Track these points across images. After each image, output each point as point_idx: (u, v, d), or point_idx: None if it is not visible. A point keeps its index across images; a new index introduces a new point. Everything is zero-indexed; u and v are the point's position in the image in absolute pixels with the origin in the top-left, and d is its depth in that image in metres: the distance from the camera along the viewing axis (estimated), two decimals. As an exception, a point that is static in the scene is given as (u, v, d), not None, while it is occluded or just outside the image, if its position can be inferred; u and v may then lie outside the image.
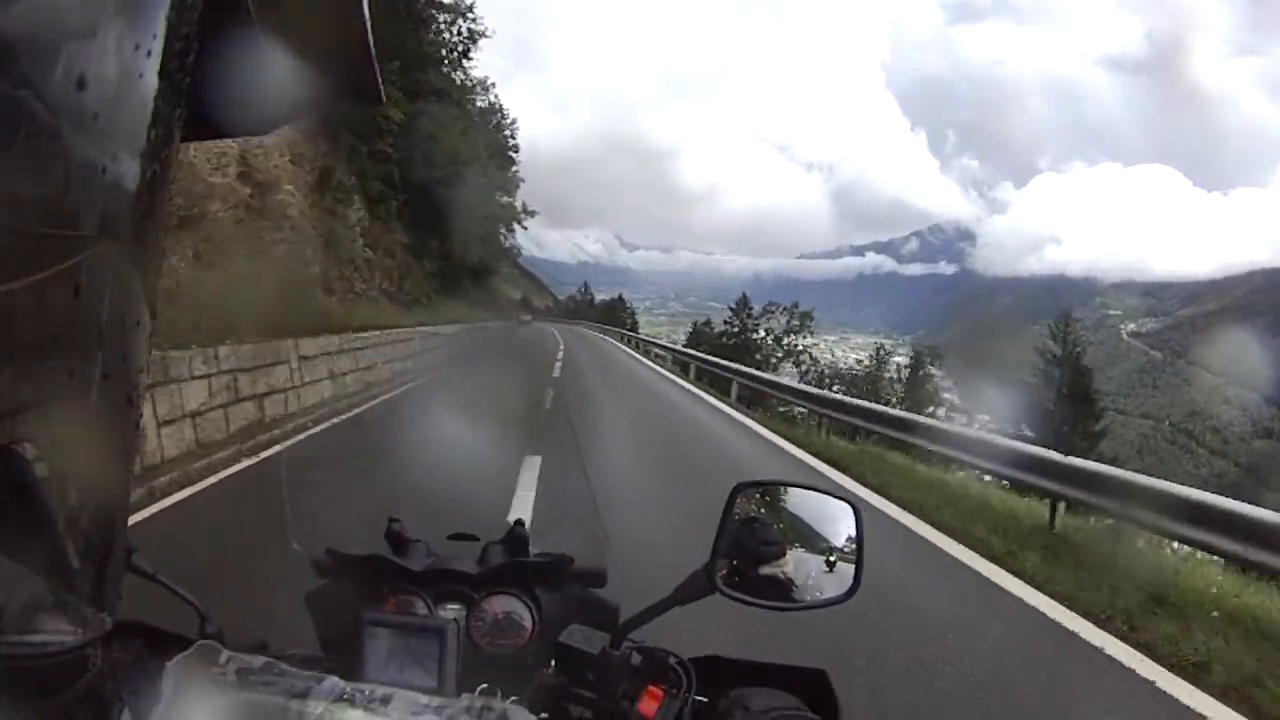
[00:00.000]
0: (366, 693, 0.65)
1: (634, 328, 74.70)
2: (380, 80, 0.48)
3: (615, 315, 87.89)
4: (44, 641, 0.40)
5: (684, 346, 35.44)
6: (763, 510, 0.85)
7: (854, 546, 0.83)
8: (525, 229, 41.17)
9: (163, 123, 0.42)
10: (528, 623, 1.00)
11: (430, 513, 1.27)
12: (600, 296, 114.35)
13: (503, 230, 35.14)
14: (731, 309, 55.89)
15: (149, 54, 0.39)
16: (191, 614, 0.85)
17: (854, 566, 0.82)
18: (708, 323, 62.29)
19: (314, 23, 0.46)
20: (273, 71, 0.44)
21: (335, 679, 0.65)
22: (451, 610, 1.00)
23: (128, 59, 0.38)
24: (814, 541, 0.84)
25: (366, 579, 1.01)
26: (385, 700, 0.65)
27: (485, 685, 0.85)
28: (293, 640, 0.95)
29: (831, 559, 0.83)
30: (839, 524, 0.84)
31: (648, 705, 0.80)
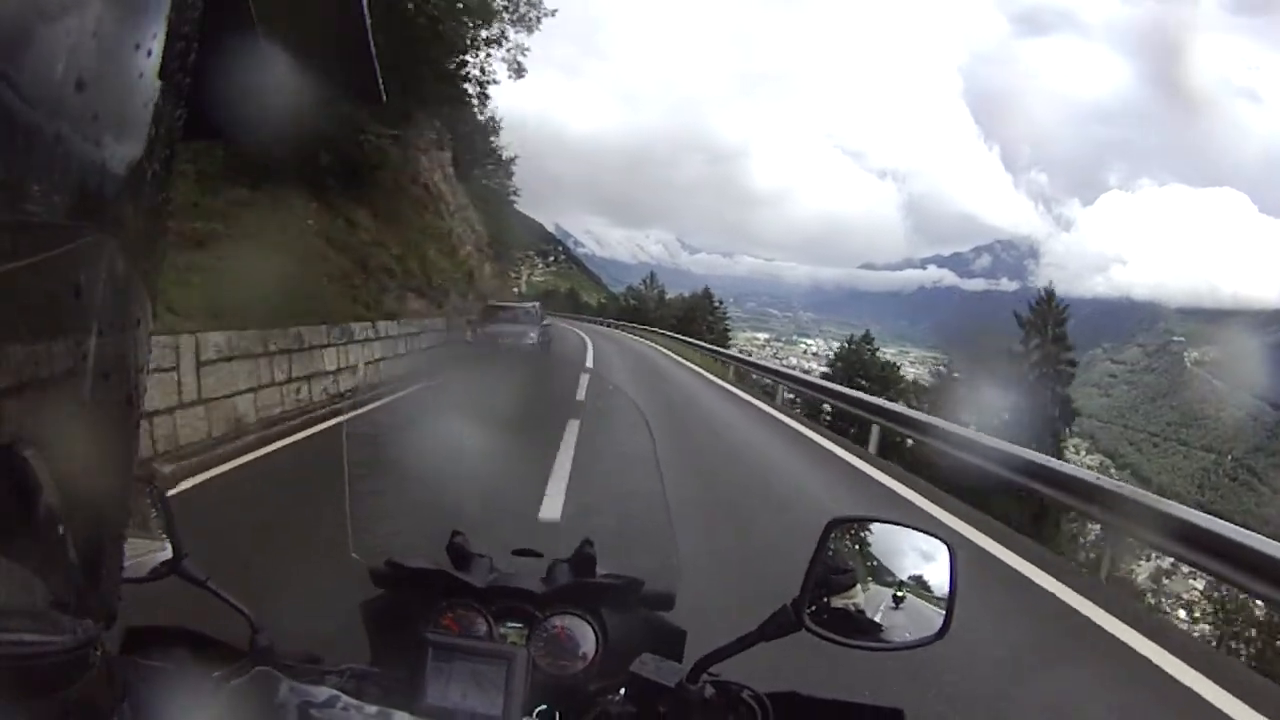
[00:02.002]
0: None
1: (721, 340, 53.69)
2: (380, 80, 0.48)
3: (696, 319, 63.72)
4: (42, 642, 0.40)
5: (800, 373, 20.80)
6: (856, 546, 0.82)
7: (946, 586, 0.80)
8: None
9: (163, 123, 0.42)
10: (591, 645, 0.98)
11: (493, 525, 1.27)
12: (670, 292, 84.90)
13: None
14: (849, 345, 45.32)
15: (149, 54, 0.39)
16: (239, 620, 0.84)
17: (945, 606, 0.79)
18: (866, 338, 46.49)
19: (314, 23, 0.46)
20: (273, 71, 0.44)
21: (404, 716, 0.62)
22: (513, 629, 0.98)
23: (128, 59, 0.38)
24: (904, 579, 0.81)
25: (427, 592, 1.00)
26: None
27: (544, 707, 0.86)
28: (343, 648, 0.94)
29: (921, 598, 0.80)
30: (932, 562, 0.82)
31: None
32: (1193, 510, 4.58)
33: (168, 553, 0.86)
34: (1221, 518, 4.65)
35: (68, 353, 0.39)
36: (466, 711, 0.77)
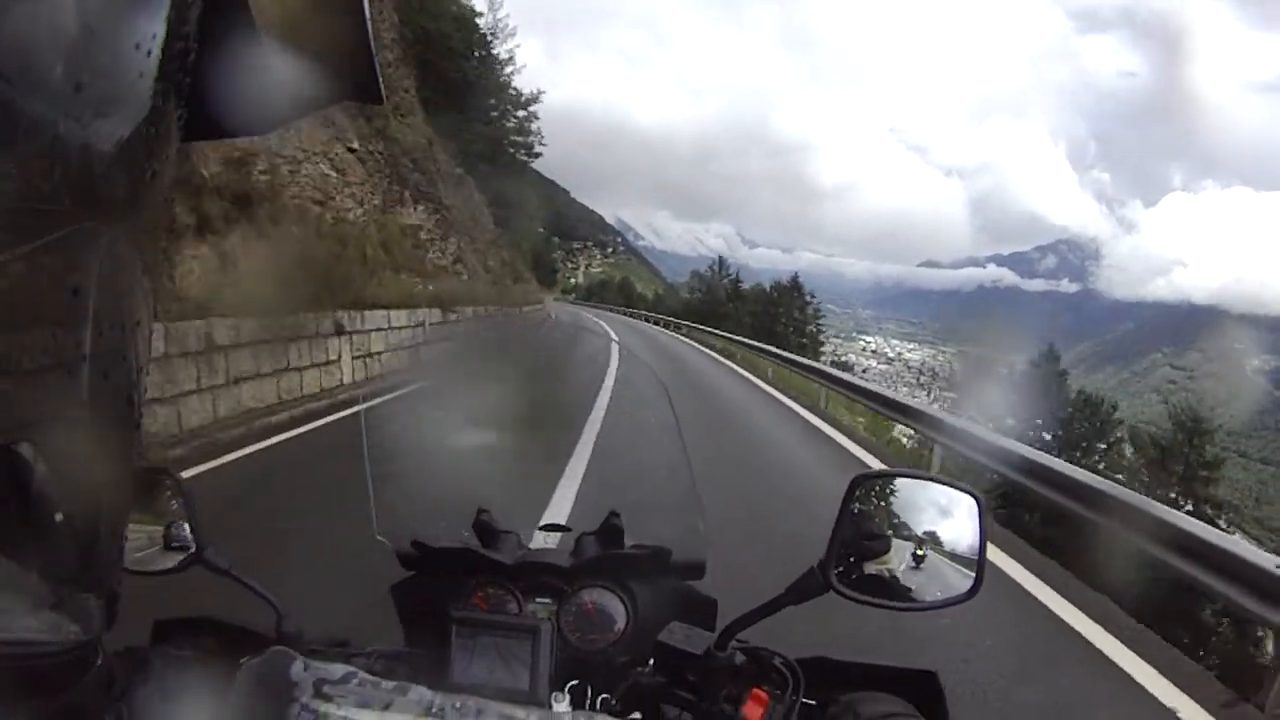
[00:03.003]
0: (457, 705, 0.61)
1: (811, 349, 47.74)
2: (380, 80, 0.47)
3: (778, 317, 55.53)
4: (42, 642, 0.40)
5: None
6: (880, 503, 0.80)
7: (975, 540, 0.78)
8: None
9: (163, 123, 0.42)
10: (621, 617, 0.97)
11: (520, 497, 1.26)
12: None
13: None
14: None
15: (149, 54, 0.39)
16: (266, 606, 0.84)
17: (976, 562, 0.77)
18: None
19: (314, 23, 0.46)
20: (273, 71, 0.44)
21: (422, 689, 0.61)
22: (542, 604, 0.98)
23: (128, 59, 0.38)
24: (932, 534, 0.78)
25: (455, 572, 1.00)
26: (478, 715, 0.61)
27: (575, 681, 0.86)
28: (374, 633, 0.94)
29: (950, 553, 0.77)
30: (959, 516, 0.79)
31: (752, 709, 0.76)
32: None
33: (190, 544, 0.86)
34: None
35: (67, 351, 0.40)
36: (493, 686, 0.77)
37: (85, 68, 0.35)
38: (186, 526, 0.86)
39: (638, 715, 0.82)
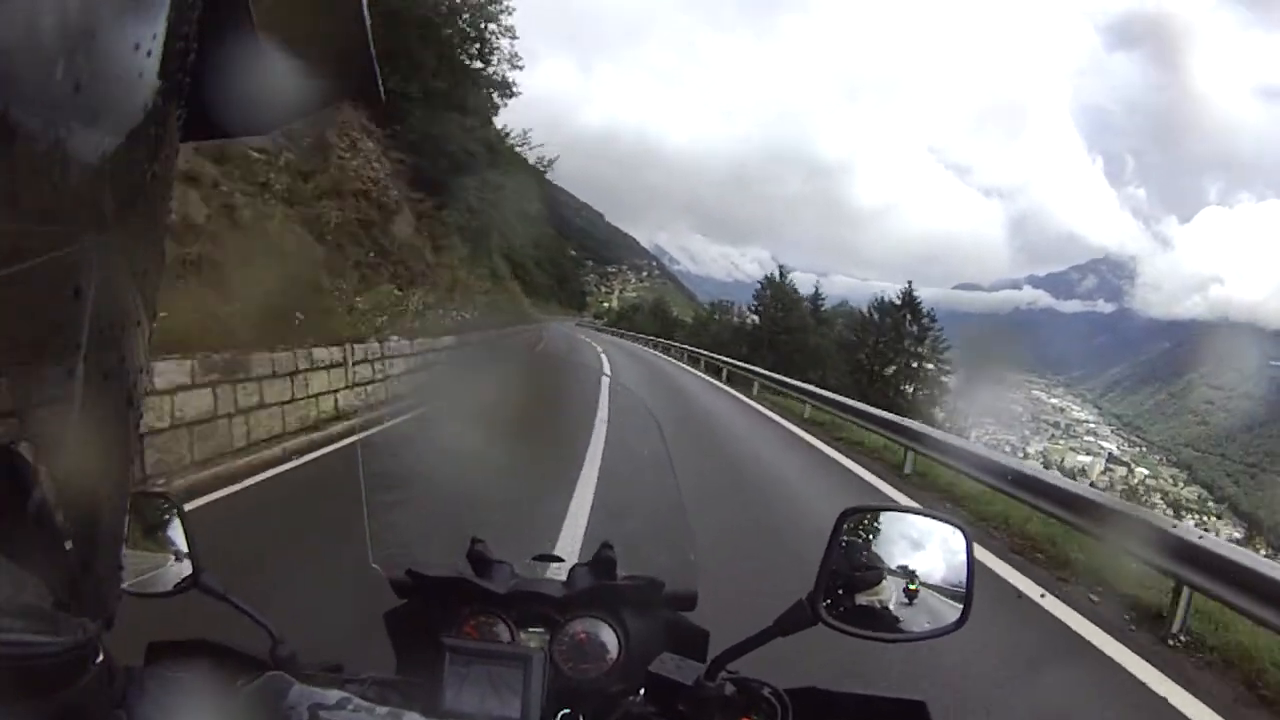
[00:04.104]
0: None
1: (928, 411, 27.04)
2: (380, 80, 0.47)
3: (881, 352, 39.52)
4: (41, 642, 0.40)
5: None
6: (869, 536, 0.81)
7: (962, 571, 0.79)
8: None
9: (162, 123, 0.42)
10: (613, 647, 0.98)
11: (513, 528, 1.27)
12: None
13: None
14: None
15: (149, 54, 0.39)
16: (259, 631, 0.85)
17: (963, 594, 0.78)
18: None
19: (314, 23, 0.46)
20: (273, 71, 0.44)
21: (415, 716, 0.62)
22: (535, 634, 0.98)
23: (127, 59, 0.38)
24: (920, 567, 0.79)
25: (448, 600, 1.00)
26: None
27: (567, 711, 0.85)
28: (367, 660, 0.94)
29: (938, 586, 0.79)
30: (947, 549, 0.80)
31: None
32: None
33: (188, 568, 0.87)
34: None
35: (66, 355, 0.40)
36: (485, 714, 0.77)
37: (84, 68, 0.35)
38: (184, 551, 0.87)
39: None
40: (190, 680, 0.70)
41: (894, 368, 40.51)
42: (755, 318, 49.56)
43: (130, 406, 0.46)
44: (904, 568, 0.78)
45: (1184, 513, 55.02)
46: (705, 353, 25.83)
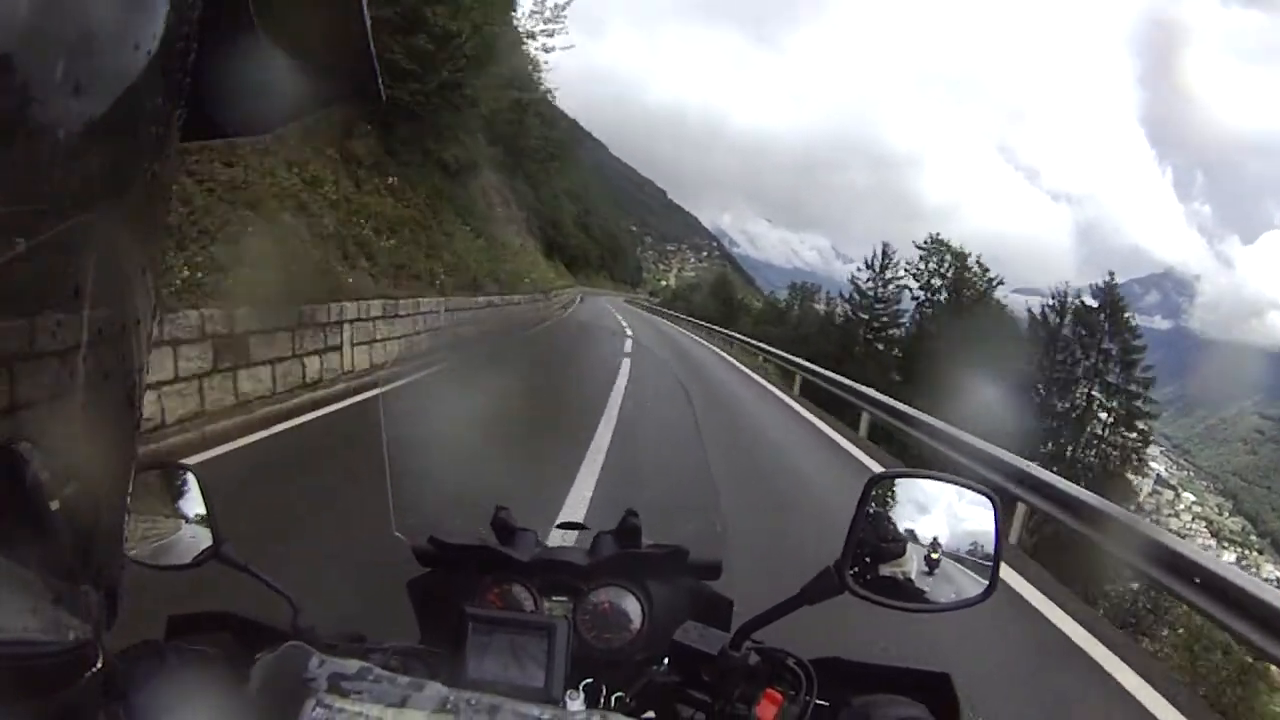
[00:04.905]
0: (471, 702, 0.60)
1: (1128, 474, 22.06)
2: (380, 80, 0.47)
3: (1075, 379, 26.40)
4: (40, 642, 0.40)
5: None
6: (898, 503, 0.79)
7: (991, 541, 0.78)
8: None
9: (162, 123, 0.42)
10: (637, 617, 0.97)
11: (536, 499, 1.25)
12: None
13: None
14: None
15: (149, 54, 0.39)
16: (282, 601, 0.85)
17: (991, 563, 0.77)
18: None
19: (314, 23, 0.46)
20: (273, 71, 0.44)
21: (437, 686, 0.61)
22: (558, 603, 0.98)
23: (127, 59, 0.38)
24: (948, 535, 0.78)
25: (472, 569, 1.00)
26: (491, 712, 0.60)
27: (589, 680, 0.85)
28: (390, 629, 0.94)
29: (965, 554, 0.77)
30: (975, 517, 0.79)
31: (765, 709, 0.76)
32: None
33: (207, 538, 0.87)
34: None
35: (67, 351, 0.40)
36: (508, 684, 0.76)
37: (85, 68, 0.35)
38: (204, 521, 0.87)
39: (652, 714, 0.82)
40: (210, 653, 0.70)
41: (1077, 400, 24.39)
42: (847, 309, 37.10)
43: (130, 403, 0.46)
44: (931, 536, 0.77)
45: (1225, 544, 53.07)
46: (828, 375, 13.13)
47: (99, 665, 0.46)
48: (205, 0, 0.41)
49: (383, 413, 1.18)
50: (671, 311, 48.05)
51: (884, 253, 37.50)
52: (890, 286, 36.25)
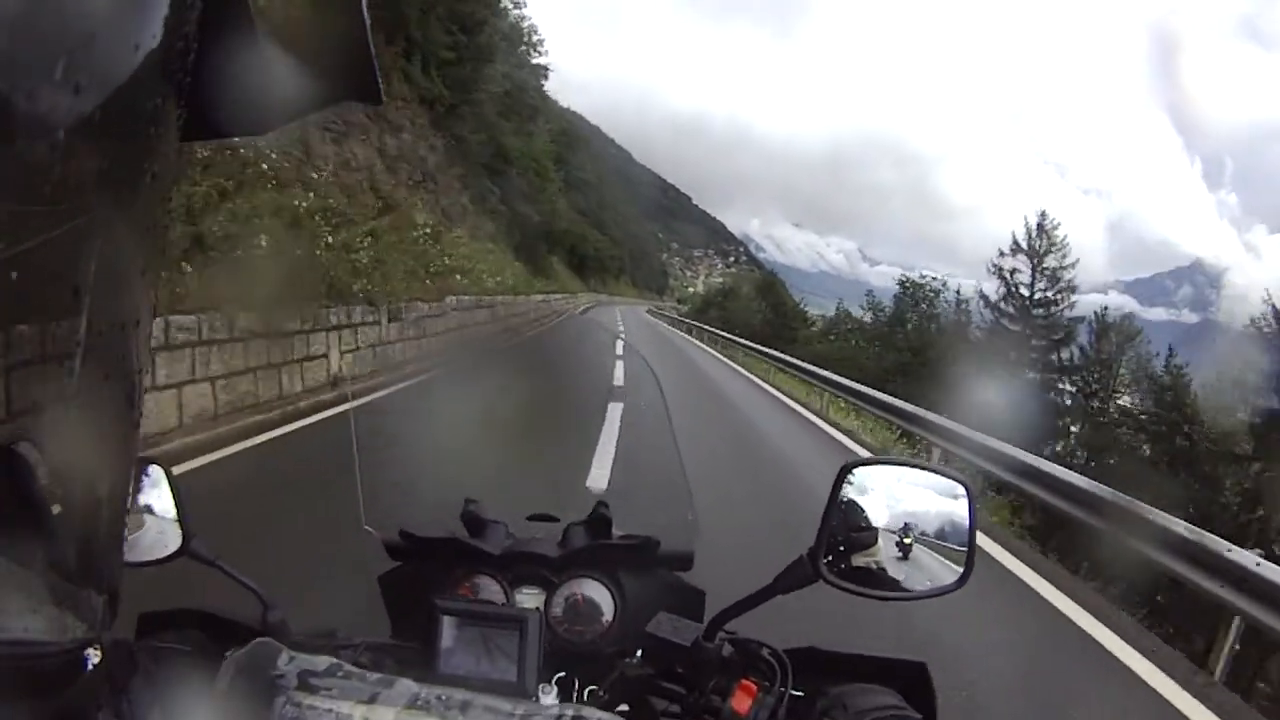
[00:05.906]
0: (442, 698, 0.60)
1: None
2: (380, 80, 0.47)
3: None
4: (41, 642, 0.40)
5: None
6: (871, 491, 0.79)
7: (965, 528, 0.78)
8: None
9: (162, 123, 0.42)
10: (609, 608, 0.97)
11: (509, 490, 1.27)
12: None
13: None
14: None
15: (148, 54, 0.39)
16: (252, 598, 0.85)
17: (965, 550, 0.77)
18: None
19: (314, 23, 0.46)
20: (273, 71, 0.44)
21: (407, 682, 0.61)
22: (530, 595, 0.98)
23: (126, 59, 0.38)
24: (922, 522, 0.78)
25: (442, 562, 1.00)
26: (464, 708, 0.60)
27: (562, 674, 0.84)
28: (361, 625, 0.94)
29: (940, 541, 0.77)
30: (950, 504, 0.79)
31: (740, 700, 0.76)
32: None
33: (176, 534, 0.87)
34: None
35: (66, 353, 0.40)
36: (481, 678, 0.76)
37: (84, 69, 0.35)
38: (174, 517, 0.87)
39: (625, 707, 0.82)
40: (181, 652, 0.70)
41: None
42: (988, 314, 26.96)
43: (130, 405, 0.46)
44: (904, 524, 0.77)
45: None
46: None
47: (99, 665, 0.46)
48: (205, 0, 0.41)
49: (353, 413, 1.18)
50: (706, 326, 32.83)
51: (1040, 226, 26.32)
52: (1055, 280, 24.01)
